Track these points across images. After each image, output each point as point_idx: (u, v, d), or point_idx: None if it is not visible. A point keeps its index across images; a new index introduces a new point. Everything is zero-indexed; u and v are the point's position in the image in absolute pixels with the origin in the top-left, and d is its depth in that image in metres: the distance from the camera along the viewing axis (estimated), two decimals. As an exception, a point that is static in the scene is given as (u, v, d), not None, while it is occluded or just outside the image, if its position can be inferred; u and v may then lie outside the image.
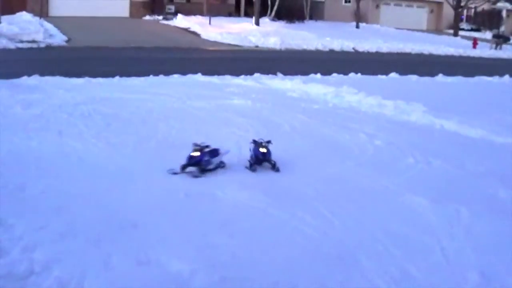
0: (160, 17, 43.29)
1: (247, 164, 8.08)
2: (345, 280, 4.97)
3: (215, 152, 7.76)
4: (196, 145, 7.63)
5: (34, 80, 14.23)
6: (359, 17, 48.48)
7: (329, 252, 5.48)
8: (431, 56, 30.37)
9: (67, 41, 27.18)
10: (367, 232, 5.99)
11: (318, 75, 18.12)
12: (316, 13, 52.68)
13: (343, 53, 30.14)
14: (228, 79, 16.68)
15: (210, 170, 7.69)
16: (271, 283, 4.80)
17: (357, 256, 5.41)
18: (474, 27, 58.85)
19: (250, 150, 8.16)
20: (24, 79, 14.16)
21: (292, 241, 5.68)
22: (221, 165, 7.88)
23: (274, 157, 8.06)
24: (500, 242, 5.90)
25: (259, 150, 7.94)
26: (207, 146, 7.65)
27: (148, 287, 4.67)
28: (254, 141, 8.10)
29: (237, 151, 8.74)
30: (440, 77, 19.78)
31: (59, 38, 27.40)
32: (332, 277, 4.96)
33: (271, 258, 5.28)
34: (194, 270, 4.91)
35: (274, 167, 8.05)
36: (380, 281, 4.96)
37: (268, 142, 8.04)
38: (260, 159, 7.99)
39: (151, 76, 15.88)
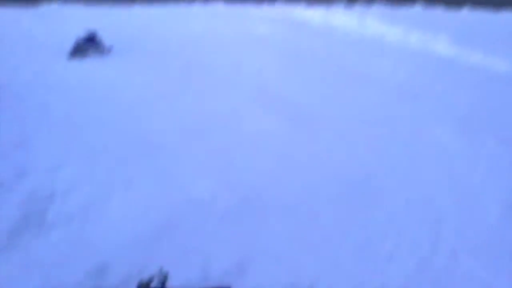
0: None
1: None
2: (366, 207, 4.93)
3: None
4: None
5: (55, 7, 14.16)
6: None
7: (351, 178, 5.45)
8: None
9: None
10: (392, 159, 5.94)
11: (342, 5, 17.78)
12: None
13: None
14: (250, 7, 16.45)
15: None
16: (289, 207, 4.81)
17: (379, 183, 5.38)
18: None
19: None
20: (44, 5, 14.08)
21: (314, 165, 5.67)
22: None
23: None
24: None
25: None
26: None
27: (169, 208, 4.70)
28: None
29: (258, 77, 8.69)
30: (466, 11, 19.31)
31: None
32: (353, 204, 4.94)
33: (291, 182, 5.28)
34: (214, 190, 4.92)
35: None
36: (402, 209, 4.93)
37: None
38: None
39: (171, 5, 15.68)
